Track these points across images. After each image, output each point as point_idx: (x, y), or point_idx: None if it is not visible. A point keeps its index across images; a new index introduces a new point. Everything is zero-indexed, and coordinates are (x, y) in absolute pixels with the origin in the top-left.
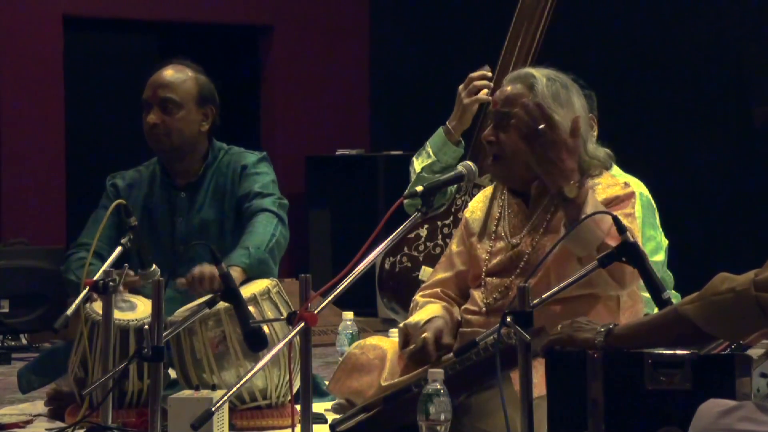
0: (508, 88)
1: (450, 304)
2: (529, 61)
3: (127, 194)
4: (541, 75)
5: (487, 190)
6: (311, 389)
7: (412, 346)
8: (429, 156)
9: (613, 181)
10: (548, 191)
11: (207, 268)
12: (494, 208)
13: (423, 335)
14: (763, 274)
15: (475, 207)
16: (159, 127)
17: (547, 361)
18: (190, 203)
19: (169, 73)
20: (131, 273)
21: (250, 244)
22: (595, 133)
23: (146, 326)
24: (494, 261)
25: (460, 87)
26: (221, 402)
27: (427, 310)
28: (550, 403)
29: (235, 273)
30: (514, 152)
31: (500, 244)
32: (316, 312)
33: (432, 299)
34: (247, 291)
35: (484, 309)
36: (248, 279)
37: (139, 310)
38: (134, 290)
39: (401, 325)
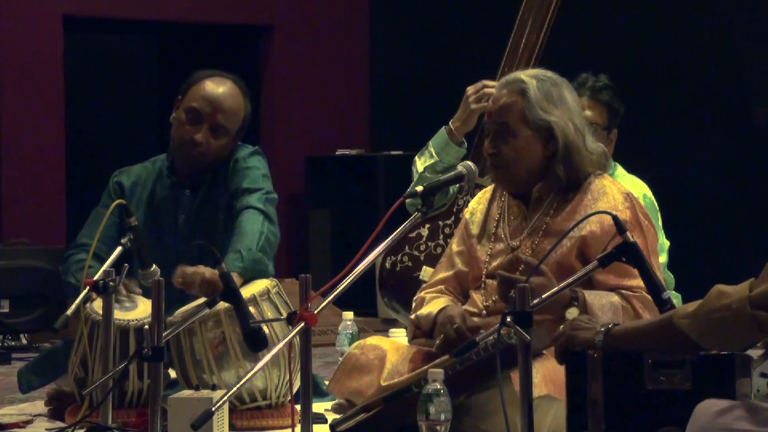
0: (500, 98)
1: (455, 300)
2: (533, 61)
3: (131, 192)
4: (530, 78)
5: (487, 191)
6: (311, 389)
7: (441, 336)
8: (431, 156)
9: (617, 200)
10: (548, 194)
11: (207, 272)
12: (494, 209)
13: (454, 325)
14: (758, 290)
15: (475, 208)
16: (202, 146)
17: (565, 361)
18: (193, 200)
19: (231, 95)
20: (134, 285)
21: (242, 247)
22: (611, 148)
23: (146, 326)
24: (494, 263)
25: (470, 88)
26: (221, 402)
27: (437, 303)
28: (570, 402)
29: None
30: (516, 161)
31: (500, 246)
32: (316, 312)
33: (438, 294)
34: (246, 292)
35: (484, 311)
36: (246, 281)
37: (139, 310)
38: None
39: (412, 316)
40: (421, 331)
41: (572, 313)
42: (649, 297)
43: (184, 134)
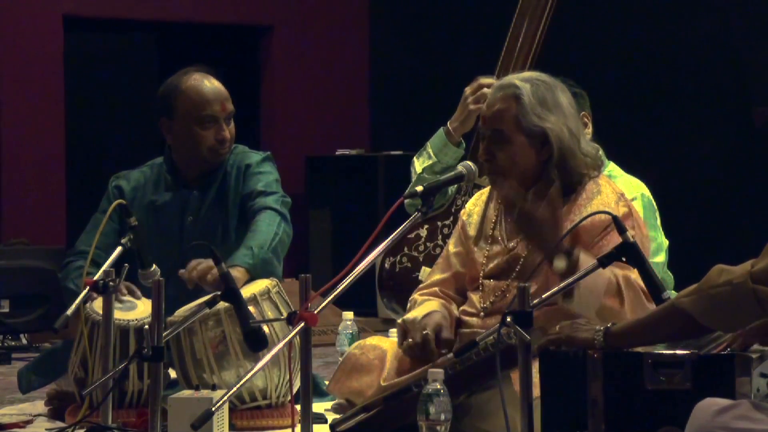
0: (495, 103)
1: (448, 302)
2: (530, 61)
3: (131, 196)
4: (523, 83)
5: (483, 193)
6: (311, 389)
7: (410, 341)
8: (430, 157)
9: (610, 198)
10: (545, 194)
11: (204, 262)
12: (490, 211)
13: (423, 331)
14: (759, 265)
15: (472, 209)
16: (229, 142)
17: (541, 362)
18: (200, 201)
19: (217, 82)
20: (134, 288)
21: (254, 244)
22: (590, 131)
23: (146, 326)
24: (491, 264)
25: (467, 89)
26: (221, 402)
27: (425, 306)
28: (545, 404)
29: (239, 273)
30: (512, 165)
31: (497, 248)
32: (316, 312)
33: (430, 297)
34: (247, 291)
35: (482, 312)
36: (252, 278)
37: (139, 310)
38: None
39: (399, 321)
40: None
41: (559, 263)
42: (633, 280)
43: (208, 141)
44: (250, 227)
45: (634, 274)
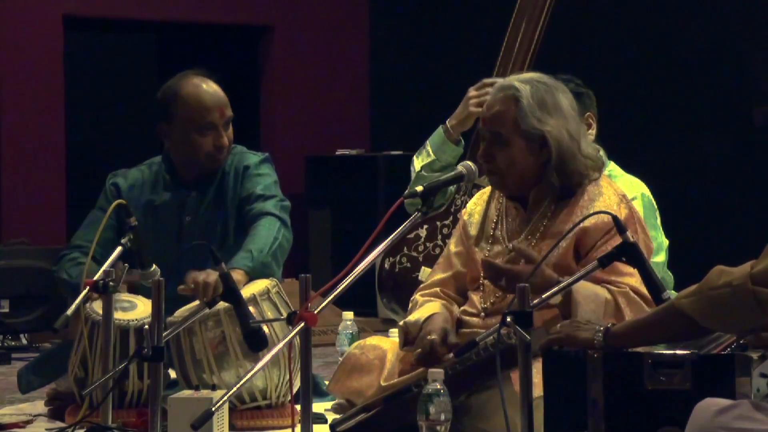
0: (494, 105)
1: (449, 302)
2: (528, 60)
3: (129, 194)
4: (523, 84)
5: (485, 192)
6: (311, 389)
7: (419, 350)
8: (429, 155)
9: (612, 200)
10: (546, 196)
11: (212, 276)
12: (492, 211)
13: (429, 338)
14: (759, 267)
15: (473, 209)
16: (227, 147)
17: (545, 361)
18: (199, 201)
19: (216, 86)
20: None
21: (253, 248)
22: (594, 131)
23: (146, 326)
24: None
25: (471, 89)
26: (221, 402)
27: (427, 308)
28: (548, 404)
29: (238, 276)
30: (510, 167)
31: (498, 248)
32: (316, 312)
33: (431, 298)
34: (246, 291)
35: (482, 313)
36: (250, 281)
37: (139, 310)
38: (133, 290)
39: (401, 323)
40: (411, 337)
41: (556, 298)
42: (633, 294)
43: (206, 147)
44: (249, 232)
45: (634, 279)
